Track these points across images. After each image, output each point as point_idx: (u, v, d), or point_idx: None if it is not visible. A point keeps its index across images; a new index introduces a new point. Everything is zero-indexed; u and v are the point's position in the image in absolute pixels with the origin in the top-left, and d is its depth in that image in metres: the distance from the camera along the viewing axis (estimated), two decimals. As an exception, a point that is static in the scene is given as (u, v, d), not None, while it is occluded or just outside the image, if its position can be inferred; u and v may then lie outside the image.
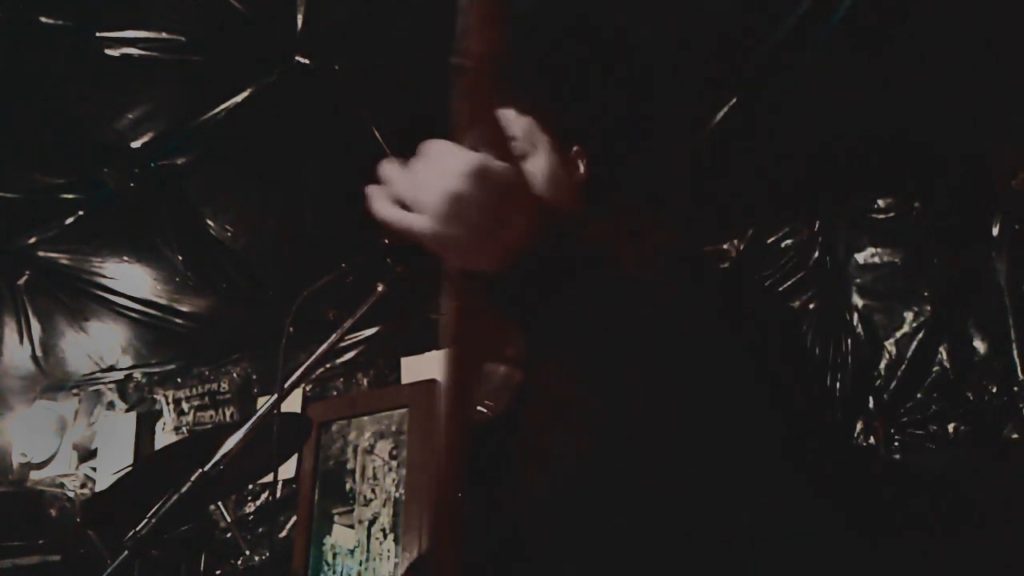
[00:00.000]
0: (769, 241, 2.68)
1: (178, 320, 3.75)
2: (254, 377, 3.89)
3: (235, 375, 3.94)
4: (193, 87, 2.55)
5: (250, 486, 3.62)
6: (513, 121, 1.38)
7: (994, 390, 2.22)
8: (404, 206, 0.79)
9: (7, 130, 2.73)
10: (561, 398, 1.08)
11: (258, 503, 3.63)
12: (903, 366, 2.36)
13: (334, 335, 1.34)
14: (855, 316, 2.47)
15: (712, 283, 1.26)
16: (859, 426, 2.38)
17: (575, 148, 1.41)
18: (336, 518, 3.35)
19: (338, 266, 1.29)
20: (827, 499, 1.13)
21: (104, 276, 3.56)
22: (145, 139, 2.77)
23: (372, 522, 3.25)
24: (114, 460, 4.01)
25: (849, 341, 2.46)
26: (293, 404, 3.55)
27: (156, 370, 4.17)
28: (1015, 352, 2.20)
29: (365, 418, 3.44)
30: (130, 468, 2.07)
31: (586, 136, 1.44)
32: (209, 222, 3.16)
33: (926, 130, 2.32)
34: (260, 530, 3.56)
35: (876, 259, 2.49)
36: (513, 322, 0.88)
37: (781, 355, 1.21)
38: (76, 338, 4.04)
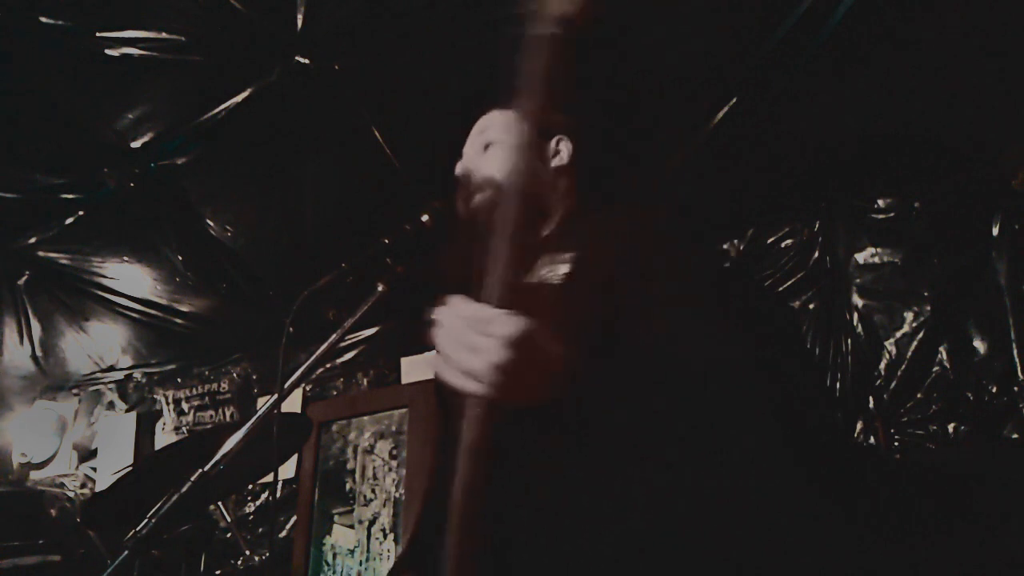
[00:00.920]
0: (769, 241, 2.68)
1: (178, 320, 3.75)
2: (254, 377, 3.89)
3: (235, 375, 3.94)
4: (193, 87, 2.55)
5: (250, 486, 3.62)
6: (494, 117, 1.44)
7: (994, 390, 2.22)
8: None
9: (7, 130, 2.72)
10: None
11: (258, 503, 3.63)
12: (903, 366, 2.36)
13: (334, 335, 1.34)
14: (855, 316, 2.47)
15: (712, 283, 1.26)
16: (859, 426, 2.38)
17: (557, 138, 1.46)
18: (336, 518, 3.35)
19: (338, 266, 1.29)
20: (827, 499, 1.13)
21: (104, 276, 3.56)
22: (145, 139, 2.76)
23: (372, 522, 3.25)
24: (114, 460, 4.01)
25: (849, 341, 2.46)
26: (293, 404, 3.55)
27: (156, 370, 4.18)
28: (1015, 352, 2.20)
29: (365, 418, 3.44)
30: (130, 468, 2.06)
31: (572, 129, 1.49)
32: (209, 222, 3.16)
33: (926, 130, 2.32)
34: (260, 530, 3.56)
35: (876, 259, 2.49)
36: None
37: (781, 355, 1.21)
38: (76, 338, 4.03)
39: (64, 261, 3.48)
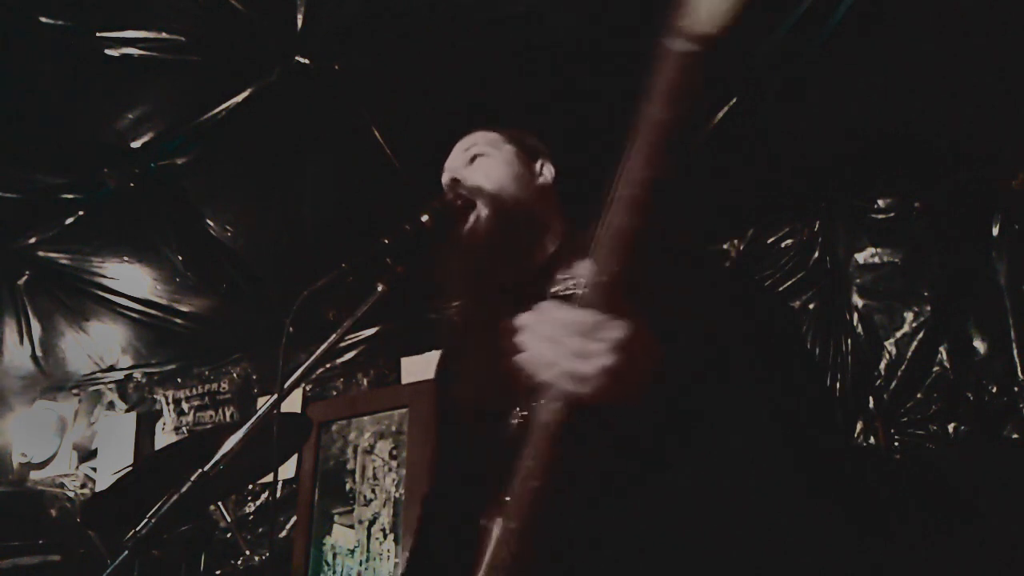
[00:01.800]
0: (769, 241, 2.68)
1: (178, 320, 3.75)
2: (254, 377, 3.89)
3: (235, 375, 3.94)
4: (193, 87, 2.55)
5: (250, 486, 3.62)
6: (478, 136, 1.49)
7: (994, 390, 2.22)
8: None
9: (7, 130, 2.72)
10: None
11: (258, 503, 3.63)
12: (903, 366, 2.36)
13: (334, 335, 1.34)
14: (855, 316, 2.47)
15: (711, 284, 1.26)
16: (859, 426, 2.38)
17: (541, 161, 1.52)
18: (336, 518, 3.35)
19: (338, 266, 1.28)
20: (827, 499, 1.13)
21: (104, 276, 3.56)
22: (145, 139, 2.76)
23: (372, 522, 3.25)
24: (114, 460, 4.01)
25: (849, 341, 2.46)
26: (293, 404, 3.55)
27: (156, 370, 4.18)
28: (1015, 352, 2.19)
29: (365, 418, 3.44)
30: (130, 468, 2.06)
31: (553, 151, 1.55)
32: (209, 222, 3.16)
33: (926, 130, 2.32)
34: (260, 530, 3.56)
35: (876, 259, 2.49)
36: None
37: (781, 355, 1.21)
38: (76, 338, 4.03)
39: (64, 261, 3.48)
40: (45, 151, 2.84)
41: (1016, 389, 2.18)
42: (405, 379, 3.36)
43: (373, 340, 3.49)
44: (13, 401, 4.46)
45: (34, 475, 4.41)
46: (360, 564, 3.21)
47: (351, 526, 3.29)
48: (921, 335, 2.35)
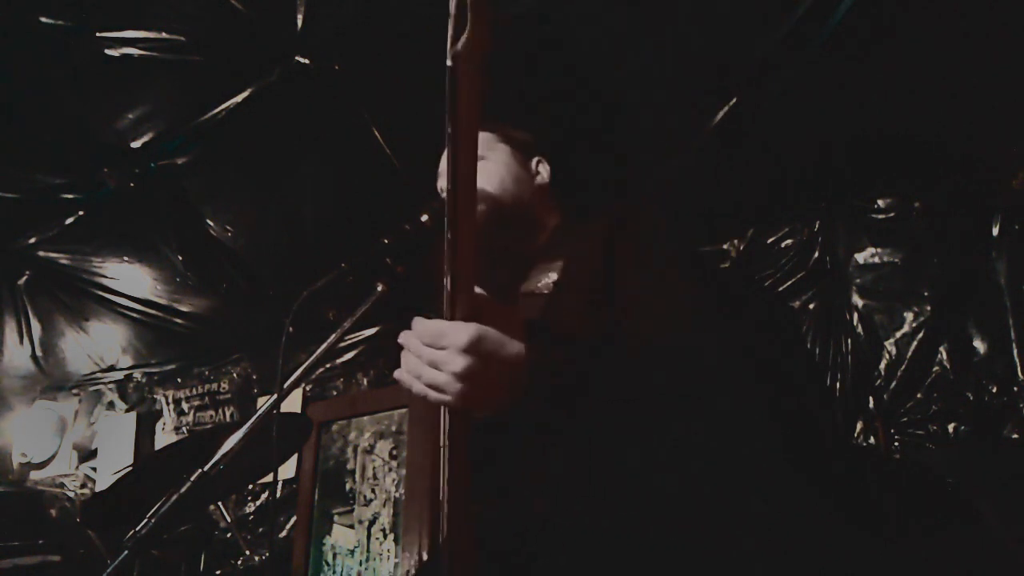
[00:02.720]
0: (769, 241, 2.68)
1: (178, 320, 3.75)
2: (254, 377, 3.89)
3: (235, 375, 3.94)
4: (193, 87, 2.54)
5: (250, 486, 3.62)
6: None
7: (994, 390, 2.22)
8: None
9: (7, 130, 2.72)
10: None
11: (258, 503, 3.63)
12: (903, 366, 2.36)
13: (334, 335, 1.34)
14: (855, 316, 2.47)
15: (712, 284, 1.26)
16: (859, 426, 2.38)
17: (536, 159, 1.54)
18: (336, 518, 3.35)
19: (338, 266, 1.28)
20: (827, 499, 1.13)
21: (104, 276, 3.56)
22: (145, 139, 2.76)
23: (372, 522, 3.25)
24: (114, 460, 4.01)
25: (849, 341, 2.46)
26: (293, 404, 3.55)
27: (156, 370, 4.18)
28: (1015, 352, 2.20)
29: (365, 418, 3.44)
30: (130, 468, 2.06)
31: (548, 149, 1.56)
32: (209, 222, 3.16)
33: (926, 130, 2.32)
34: (260, 530, 3.56)
35: (876, 259, 2.49)
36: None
37: (781, 355, 1.22)
38: (76, 338, 4.03)
39: (64, 261, 3.48)
40: (45, 151, 2.84)
41: (1016, 389, 2.18)
42: (405, 379, 3.36)
43: (373, 340, 3.49)
44: (13, 401, 4.46)
45: (34, 475, 4.41)
46: (360, 564, 3.21)
47: (351, 526, 3.29)
48: (921, 335, 2.36)
